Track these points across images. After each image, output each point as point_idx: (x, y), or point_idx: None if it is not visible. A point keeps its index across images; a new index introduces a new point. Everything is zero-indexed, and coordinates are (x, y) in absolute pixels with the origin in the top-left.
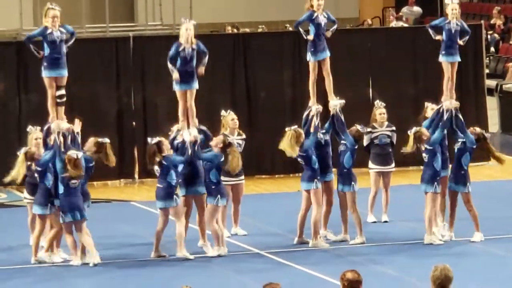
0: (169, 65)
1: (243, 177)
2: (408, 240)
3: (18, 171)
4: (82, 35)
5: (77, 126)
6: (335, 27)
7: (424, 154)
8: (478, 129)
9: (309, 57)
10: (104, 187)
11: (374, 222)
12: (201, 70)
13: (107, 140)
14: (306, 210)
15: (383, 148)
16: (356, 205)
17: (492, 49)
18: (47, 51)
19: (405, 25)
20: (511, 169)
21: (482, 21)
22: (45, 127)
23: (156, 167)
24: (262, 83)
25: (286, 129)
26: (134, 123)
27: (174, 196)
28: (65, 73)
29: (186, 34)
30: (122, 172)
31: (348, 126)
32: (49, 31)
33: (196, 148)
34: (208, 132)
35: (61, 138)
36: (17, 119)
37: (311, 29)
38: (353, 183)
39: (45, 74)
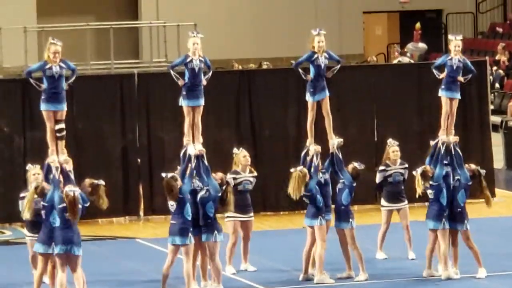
0: (172, 72)
1: (252, 214)
2: (411, 276)
3: (28, 206)
4: (87, 71)
5: (69, 164)
6: (338, 67)
7: (429, 191)
8: (473, 166)
9: (307, 97)
10: (109, 224)
11: (385, 258)
12: (204, 82)
13: (102, 182)
14: (311, 246)
15: (397, 186)
16: (356, 241)
17: (497, 85)
18: (46, 85)
19: (410, 60)
20: None
21: (487, 57)
22: (45, 163)
23: (171, 203)
24: (267, 120)
25: (292, 170)
26: (139, 160)
27: (189, 234)
28: (64, 107)
29: (193, 48)
30: (127, 209)
31: (351, 159)
32: (48, 66)
33: (200, 163)
34: None
35: (58, 172)
36: (22, 156)
37: (311, 69)
38: (351, 219)
39: (43, 107)
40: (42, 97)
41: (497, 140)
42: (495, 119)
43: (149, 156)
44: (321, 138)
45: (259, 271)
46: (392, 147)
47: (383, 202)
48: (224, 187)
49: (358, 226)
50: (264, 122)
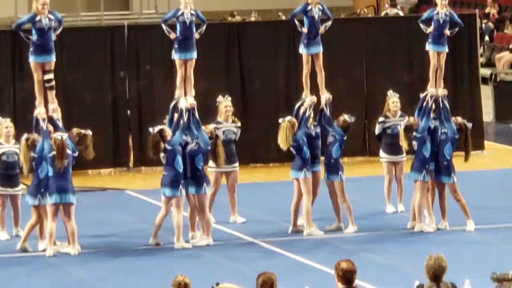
0: (164, 26)
1: (237, 164)
2: (400, 228)
3: (25, 159)
4: (77, 23)
5: (58, 113)
6: (329, 23)
7: (414, 142)
8: (460, 119)
9: (301, 49)
10: (98, 176)
11: (395, 212)
12: (196, 36)
13: (89, 132)
14: (299, 199)
15: (396, 137)
16: (345, 194)
17: (487, 38)
18: (35, 37)
19: (400, 12)
20: (506, 158)
21: (477, 10)
22: (34, 115)
23: (162, 154)
24: (256, 72)
25: (280, 120)
26: (129, 111)
27: (180, 186)
28: (52, 58)
29: (185, 1)
30: (117, 160)
31: (341, 111)
32: (37, 18)
33: (191, 116)
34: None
35: (45, 123)
36: (12, 106)
37: (305, 21)
38: (340, 172)
39: (31, 59)
40: (31, 49)
41: (487, 93)
42: (484, 72)
43: (139, 108)
44: (311, 92)
45: (248, 223)
46: (392, 98)
47: (382, 153)
48: (213, 140)
49: (348, 179)
50: (253, 75)
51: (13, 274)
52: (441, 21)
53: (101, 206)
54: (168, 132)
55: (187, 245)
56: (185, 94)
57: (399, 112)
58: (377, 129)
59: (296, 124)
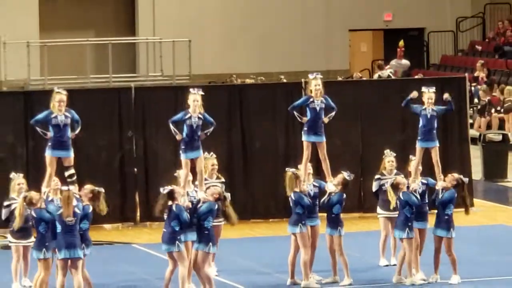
0: (171, 126)
1: (221, 219)
2: (392, 281)
3: (19, 216)
4: (86, 85)
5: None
6: (333, 113)
7: (397, 201)
8: (456, 175)
9: (303, 136)
10: (106, 230)
11: (387, 265)
12: (202, 136)
13: (102, 189)
14: (295, 252)
15: None
16: (342, 248)
17: (476, 100)
18: (51, 133)
19: (389, 74)
20: (494, 215)
21: (466, 74)
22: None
23: (166, 211)
24: (256, 132)
25: (286, 169)
26: (135, 169)
27: (177, 242)
28: (70, 154)
29: (194, 105)
30: (124, 216)
31: (336, 171)
32: (53, 115)
33: (195, 209)
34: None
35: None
36: (25, 162)
37: (308, 113)
38: (339, 227)
39: (47, 153)
40: (49, 144)
41: (476, 153)
42: (474, 132)
43: (145, 166)
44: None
45: (249, 275)
46: (388, 157)
47: (379, 210)
48: (222, 202)
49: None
50: (254, 134)
51: None
52: (428, 116)
53: (108, 259)
54: (178, 192)
55: None
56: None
57: (395, 171)
58: (374, 186)
59: (300, 178)
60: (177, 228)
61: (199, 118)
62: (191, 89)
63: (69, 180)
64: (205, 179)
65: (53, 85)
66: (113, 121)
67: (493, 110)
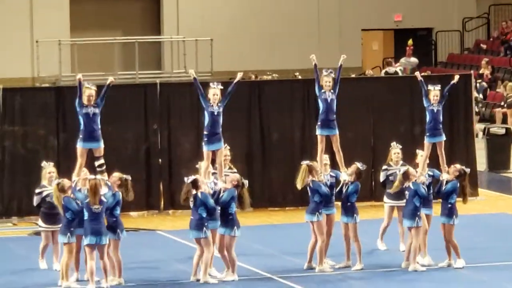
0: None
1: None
2: (401, 266)
3: (58, 203)
4: (114, 81)
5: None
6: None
7: (406, 192)
8: (458, 166)
9: (317, 130)
10: (132, 218)
11: (386, 249)
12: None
13: (129, 177)
14: (315, 239)
15: None
16: (357, 235)
17: (481, 96)
18: (82, 124)
19: (396, 70)
20: (497, 204)
21: (472, 71)
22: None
23: (191, 199)
24: (274, 125)
25: (302, 162)
26: (160, 160)
27: (204, 228)
28: (100, 145)
29: (213, 98)
30: (149, 204)
31: (349, 163)
32: (83, 106)
33: (216, 199)
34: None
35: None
36: (56, 154)
37: (320, 104)
38: (355, 215)
39: (79, 145)
40: (80, 136)
41: (480, 145)
42: (479, 126)
43: (169, 157)
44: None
45: (267, 260)
46: (394, 149)
47: (385, 199)
48: (240, 188)
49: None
50: (272, 127)
51: None
52: (435, 110)
53: (134, 245)
54: (201, 181)
55: (212, 280)
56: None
57: (401, 162)
58: (382, 177)
59: (316, 168)
60: (204, 215)
61: (218, 106)
62: (211, 84)
63: (99, 169)
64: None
65: (83, 81)
66: (139, 115)
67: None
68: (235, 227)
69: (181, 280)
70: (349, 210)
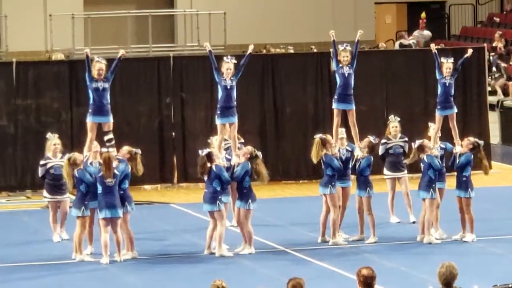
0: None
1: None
2: (414, 239)
3: (68, 178)
4: (128, 54)
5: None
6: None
7: (421, 164)
8: (472, 138)
9: (333, 104)
10: (146, 191)
11: (398, 222)
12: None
13: (139, 151)
14: (327, 212)
15: (397, 156)
16: (371, 208)
17: (494, 69)
18: (91, 99)
19: (410, 42)
20: (511, 177)
21: (485, 44)
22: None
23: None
24: (288, 98)
25: (315, 136)
26: (173, 133)
27: (218, 202)
28: (109, 119)
29: (227, 72)
30: (163, 177)
31: (363, 135)
32: (93, 81)
33: (231, 174)
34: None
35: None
36: (69, 128)
37: (337, 79)
38: (368, 188)
39: (88, 119)
40: (89, 110)
41: (493, 118)
42: (492, 99)
43: (182, 130)
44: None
45: (281, 233)
46: (392, 123)
47: (385, 171)
48: (253, 160)
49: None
50: (285, 100)
51: (67, 279)
52: (447, 84)
53: (148, 218)
54: (216, 154)
55: (227, 253)
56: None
57: (399, 135)
58: (381, 150)
59: (330, 142)
60: (218, 188)
61: (231, 80)
62: (224, 58)
63: (108, 144)
64: (226, 140)
65: (96, 54)
66: (152, 88)
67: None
68: (250, 200)
69: (195, 253)
70: (362, 184)
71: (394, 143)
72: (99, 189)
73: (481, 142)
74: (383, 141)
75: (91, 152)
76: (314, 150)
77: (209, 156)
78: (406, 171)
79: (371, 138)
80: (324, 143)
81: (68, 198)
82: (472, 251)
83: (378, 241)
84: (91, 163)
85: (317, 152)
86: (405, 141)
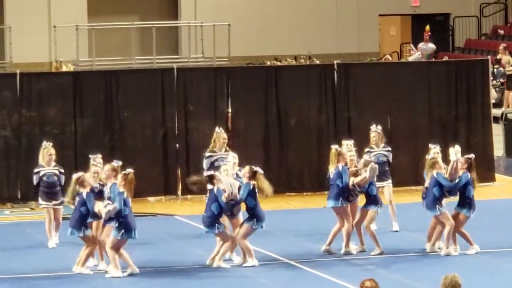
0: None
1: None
2: (414, 251)
3: (70, 194)
4: (132, 65)
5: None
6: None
7: (427, 180)
8: (462, 159)
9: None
10: (149, 203)
11: (375, 229)
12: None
13: (130, 170)
14: (339, 224)
15: (381, 166)
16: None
17: (498, 81)
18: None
19: (413, 57)
20: None
21: (489, 57)
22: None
23: (209, 186)
24: (292, 109)
25: (331, 146)
26: (177, 145)
27: (216, 225)
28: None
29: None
30: (167, 189)
31: (366, 146)
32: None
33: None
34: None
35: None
36: (73, 139)
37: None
38: (378, 205)
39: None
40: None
41: (497, 131)
42: (496, 111)
43: (186, 142)
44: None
45: (283, 246)
46: (373, 132)
47: None
48: (254, 178)
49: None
50: (289, 112)
51: None
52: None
53: (152, 230)
54: (217, 178)
55: (224, 265)
56: None
57: (382, 144)
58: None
59: (344, 155)
60: (216, 212)
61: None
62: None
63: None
64: (215, 151)
65: (101, 65)
66: (156, 100)
67: None
68: (254, 220)
69: (198, 265)
70: (372, 200)
71: (377, 152)
72: (126, 210)
73: (472, 155)
74: (366, 150)
75: (108, 169)
76: (331, 159)
77: (211, 178)
78: (390, 180)
79: (366, 157)
80: (339, 154)
81: (62, 207)
82: (475, 263)
83: (383, 252)
84: (101, 186)
85: (332, 162)
86: (389, 150)
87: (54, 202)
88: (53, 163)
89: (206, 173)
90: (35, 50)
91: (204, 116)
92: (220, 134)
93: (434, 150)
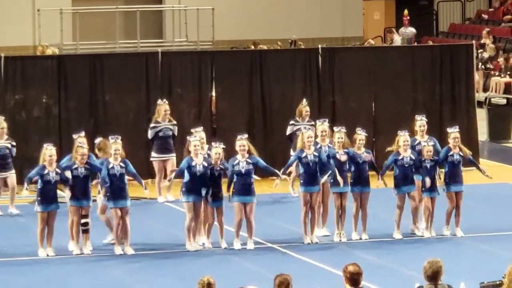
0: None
1: (173, 154)
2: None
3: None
4: (116, 49)
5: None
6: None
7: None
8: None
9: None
10: (133, 187)
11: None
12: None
13: (99, 138)
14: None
15: None
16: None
17: (482, 66)
18: (74, 184)
19: (396, 41)
20: (498, 174)
21: (473, 41)
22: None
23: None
24: (276, 93)
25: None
26: None
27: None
28: (89, 204)
29: (216, 157)
30: (150, 173)
31: (352, 131)
32: (75, 166)
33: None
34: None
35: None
36: (57, 123)
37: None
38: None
39: (70, 203)
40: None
41: (481, 115)
42: (480, 95)
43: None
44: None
45: (267, 229)
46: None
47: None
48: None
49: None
50: (273, 96)
51: (53, 273)
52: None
53: (135, 214)
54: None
55: (191, 247)
56: None
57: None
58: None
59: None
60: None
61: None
62: (213, 143)
63: (83, 228)
64: (159, 122)
65: (85, 49)
66: (140, 84)
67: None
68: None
69: (183, 250)
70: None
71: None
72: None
73: (456, 129)
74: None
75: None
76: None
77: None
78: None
79: (358, 131)
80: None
81: (14, 174)
82: (460, 248)
83: (368, 238)
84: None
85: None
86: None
87: (7, 172)
88: (6, 137)
89: (189, 138)
90: (19, 33)
91: (188, 100)
92: (162, 106)
93: (421, 123)
